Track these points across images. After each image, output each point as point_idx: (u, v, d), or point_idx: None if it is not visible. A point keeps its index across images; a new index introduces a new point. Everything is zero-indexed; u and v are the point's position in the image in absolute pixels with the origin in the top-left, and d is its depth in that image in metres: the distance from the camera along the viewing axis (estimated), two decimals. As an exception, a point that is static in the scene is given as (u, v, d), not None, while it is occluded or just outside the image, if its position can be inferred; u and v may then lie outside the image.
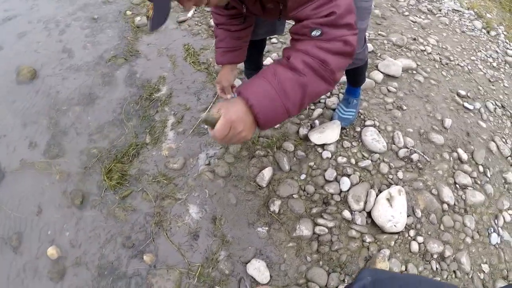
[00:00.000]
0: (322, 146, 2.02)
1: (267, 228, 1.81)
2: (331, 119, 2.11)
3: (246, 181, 1.96)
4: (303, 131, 2.07)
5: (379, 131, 2.05)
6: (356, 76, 1.81)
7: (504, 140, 2.37)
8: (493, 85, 2.89)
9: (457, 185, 1.93)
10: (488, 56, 2.94)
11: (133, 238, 1.84)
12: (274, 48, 2.78)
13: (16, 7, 3.36)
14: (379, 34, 3.00)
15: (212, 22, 2.90)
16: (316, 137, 1.97)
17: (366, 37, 1.60)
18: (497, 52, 3.25)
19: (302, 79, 0.81)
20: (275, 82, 0.81)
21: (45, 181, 2.08)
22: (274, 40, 2.82)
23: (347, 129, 2.09)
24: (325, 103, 2.22)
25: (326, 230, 1.68)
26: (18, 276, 1.79)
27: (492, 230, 1.97)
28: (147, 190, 1.98)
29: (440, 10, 3.62)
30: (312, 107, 2.26)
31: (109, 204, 1.95)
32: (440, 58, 2.93)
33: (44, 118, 2.39)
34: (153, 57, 2.78)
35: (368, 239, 1.77)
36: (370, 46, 2.74)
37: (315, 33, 0.84)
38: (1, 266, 1.80)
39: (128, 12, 3.27)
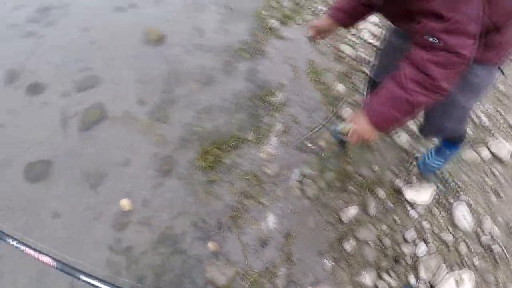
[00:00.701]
0: (412, 204, 2.20)
1: (333, 263, 1.96)
2: (428, 180, 2.30)
3: (330, 211, 2.17)
4: (398, 183, 2.29)
5: (470, 210, 2.21)
6: (451, 138, 2.01)
7: None
8: None
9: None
10: None
11: (205, 222, 2.13)
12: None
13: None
14: (497, 111, 3.14)
15: (340, 47, 3.33)
16: (410, 194, 2.20)
17: (471, 115, 1.78)
18: None
19: (410, 98, 1.18)
20: (389, 101, 1.24)
21: (141, 138, 2.49)
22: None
23: (440, 197, 2.25)
24: None
25: (387, 288, 1.82)
26: (85, 211, 2.16)
27: None
28: (235, 183, 2.28)
29: None
30: (415, 162, 2.49)
31: (194, 182, 2.25)
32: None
33: (159, 82, 2.90)
34: (277, 62, 3.24)
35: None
36: (485, 120, 2.89)
37: (432, 40, 1.09)
38: (73, 196, 2.15)
39: (264, 12, 3.85)
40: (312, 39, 1.92)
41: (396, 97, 1.21)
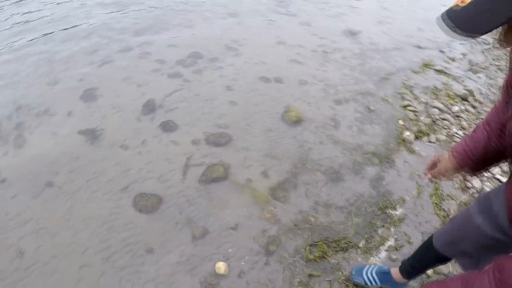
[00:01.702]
0: None
1: None
2: None
3: None
4: None
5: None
6: None
7: None
8: None
9: None
10: None
11: None
12: None
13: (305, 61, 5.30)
14: None
15: (467, 176, 3.81)
16: None
17: None
18: None
19: None
20: None
21: (255, 210, 3.11)
22: None
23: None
24: None
25: None
26: (179, 258, 2.73)
27: None
28: (333, 285, 2.80)
29: None
30: None
31: (295, 272, 2.77)
32: None
33: (287, 162, 3.63)
34: (404, 176, 3.79)
35: None
36: None
37: None
38: (172, 240, 2.83)
39: (401, 122, 4.53)
40: (431, 180, 1.98)
41: None
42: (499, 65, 5.88)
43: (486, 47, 6.26)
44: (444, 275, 2.77)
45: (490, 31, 0.88)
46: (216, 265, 2.71)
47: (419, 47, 5.97)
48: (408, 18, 6.22)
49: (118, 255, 2.76)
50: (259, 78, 4.61)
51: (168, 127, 3.79)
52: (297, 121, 3.93)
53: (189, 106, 4.10)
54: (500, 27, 0.90)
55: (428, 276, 2.75)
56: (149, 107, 4.03)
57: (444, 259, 2.04)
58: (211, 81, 4.57)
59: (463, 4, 0.90)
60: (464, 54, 5.95)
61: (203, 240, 2.88)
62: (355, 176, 3.51)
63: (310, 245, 2.83)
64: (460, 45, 6.16)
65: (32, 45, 5.46)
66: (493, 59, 6.05)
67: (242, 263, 2.76)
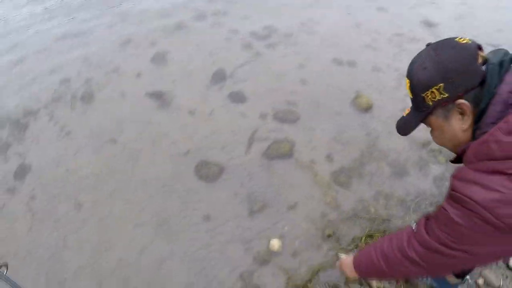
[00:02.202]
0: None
1: None
2: None
3: None
4: None
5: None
6: None
7: None
8: None
9: None
10: None
11: None
12: None
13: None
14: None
15: None
16: None
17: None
18: None
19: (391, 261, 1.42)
20: (374, 255, 1.50)
21: (316, 192, 3.00)
22: None
23: None
24: None
25: None
26: (235, 230, 2.70)
27: None
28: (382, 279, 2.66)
29: None
30: None
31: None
32: None
33: (354, 148, 3.42)
34: None
35: None
36: None
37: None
38: (230, 210, 2.82)
39: None
40: None
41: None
42: None
43: None
44: (495, 287, 2.56)
45: (409, 133, 1.34)
46: (271, 241, 2.65)
47: (498, 45, 5.54)
48: (489, 19, 5.81)
49: (174, 219, 2.77)
50: (332, 60, 4.44)
51: (236, 98, 3.72)
52: (367, 108, 3.74)
53: (259, 79, 4.00)
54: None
55: (479, 286, 2.57)
56: (219, 76, 3.96)
57: None
58: (284, 56, 4.44)
59: (404, 114, 1.35)
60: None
61: (260, 215, 2.83)
62: (419, 172, 3.31)
63: (367, 236, 2.67)
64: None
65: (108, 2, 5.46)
66: None
67: (297, 242, 2.69)
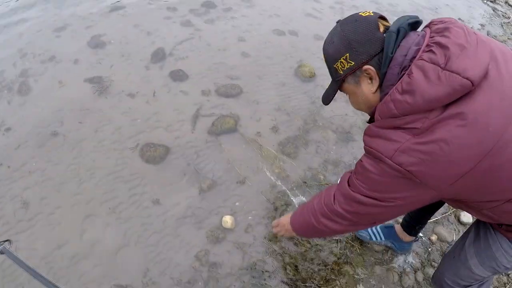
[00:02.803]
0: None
1: None
2: None
3: None
4: None
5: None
6: None
7: None
8: None
9: None
10: None
11: (297, 268, 2.42)
12: None
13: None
14: None
15: None
16: None
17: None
18: None
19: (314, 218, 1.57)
20: (306, 213, 1.64)
21: (264, 164, 2.90)
22: None
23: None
24: None
25: None
26: (186, 210, 2.60)
27: None
28: (339, 242, 2.65)
29: None
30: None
31: None
32: None
33: (299, 118, 3.41)
34: None
35: None
36: None
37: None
38: (179, 191, 2.71)
39: None
40: None
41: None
42: None
43: (506, 20, 5.92)
44: (448, 242, 2.66)
45: (329, 102, 1.46)
46: (223, 218, 2.58)
47: (436, 12, 5.62)
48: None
49: (124, 206, 2.64)
50: (273, 31, 4.34)
51: (177, 76, 3.58)
52: (311, 77, 3.70)
53: (199, 55, 3.86)
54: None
55: (433, 243, 2.63)
56: (159, 56, 3.81)
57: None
58: (224, 31, 4.29)
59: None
60: (482, 25, 5.59)
61: (210, 193, 2.74)
62: (367, 136, 3.30)
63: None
64: (479, 16, 5.85)
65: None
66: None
67: (249, 217, 2.63)
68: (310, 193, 2.76)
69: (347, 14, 4.69)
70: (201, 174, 2.82)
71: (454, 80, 1.01)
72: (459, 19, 5.59)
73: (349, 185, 1.35)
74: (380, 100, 1.22)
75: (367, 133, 1.24)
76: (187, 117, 3.22)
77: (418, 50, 1.12)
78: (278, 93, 3.51)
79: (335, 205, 1.42)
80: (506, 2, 6.64)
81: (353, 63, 1.21)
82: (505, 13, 6.23)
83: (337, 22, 1.29)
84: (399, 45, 1.15)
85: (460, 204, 1.36)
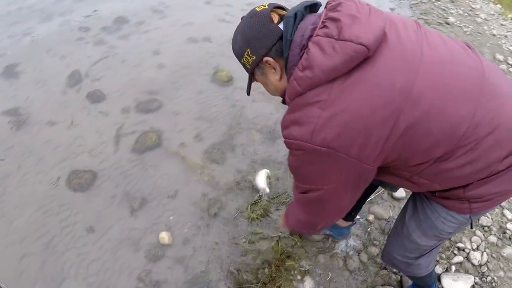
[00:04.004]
0: (450, 292, 2.38)
1: None
2: (467, 271, 2.52)
3: (369, 286, 2.35)
4: (437, 269, 2.47)
5: (503, 306, 2.33)
6: (415, 282, 2.15)
7: None
8: None
9: None
10: None
11: (240, 274, 2.38)
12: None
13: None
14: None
15: None
16: (447, 282, 2.41)
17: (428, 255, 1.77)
18: None
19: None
20: (288, 211, 1.67)
21: (193, 174, 2.85)
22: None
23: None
24: (468, 254, 2.70)
25: None
26: (121, 233, 2.47)
27: None
28: (280, 240, 2.65)
29: None
30: (456, 251, 2.74)
31: (239, 232, 2.55)
32: None
33: (221, 123, 3.37)
34: None
35: None
36: None
37: None
38: (111, 214, 2.58)
39: None
40: None
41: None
42: (426, 19, 5.75)
43: (414, 2, 6.13)
44: (385, 219, 2.68)
45: (249, 93, 1.44)
46: (160, 235, 2.48)
47: None
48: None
49: (58, 239, 2.48)
50: (187, 40, 4.24)
51: (95, 97, 3.40)
52: (228, 81, 3.64)
53: (116, 73, 3.69)
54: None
55: (370, 223, 2.65)
56: (75, 79, 3.61)
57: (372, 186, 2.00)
58: (138, 45, 4.13)
59: None
60: (392, 9, 5.79)
61: (142, 212, 2.62)
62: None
63: (252, 204, 2.63)
64: (388, 1, 6.00)
65: None
66: (421, 14, 5.93)
67: (185, 230, 2.54)
68: (242, 196, 2.73)
69: (258, 16, 4.69)
70: (131, 194, 2.69)
71: (348, 47, 1.00)
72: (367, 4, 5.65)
73: (295, 188, 1.37)
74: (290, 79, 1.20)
75: (282, 125, 1.22)
76: (109, 138, 3.06)
77: (314, 28, 1.11)
78: (198, 101, 3.43)
79: (296, 203, 1.48)
80: (413, -16, 6.84)
81: (254, 57, 1.22)
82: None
83: (241, 19, 1.31)
84: (297, 27, 1.14)
85: (392, 176, 1.33)
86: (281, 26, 1.17)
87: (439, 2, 6.30)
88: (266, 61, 1.22)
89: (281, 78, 1.26)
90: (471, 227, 1.60)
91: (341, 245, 2.50)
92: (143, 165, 2.87)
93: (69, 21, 4.63)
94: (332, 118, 1.04)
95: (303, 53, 1.09)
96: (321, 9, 1.26)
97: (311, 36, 1.10)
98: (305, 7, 1.19)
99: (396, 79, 1.03)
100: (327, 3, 1.21)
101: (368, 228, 2.62)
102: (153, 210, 2.62)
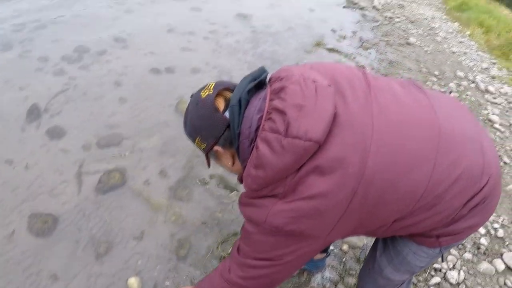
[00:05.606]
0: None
1: None
2: None
3: None
4: None
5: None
6: None
7: None
8: None
9: None
10: None
11: None
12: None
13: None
14: (512, 223, 3.37)
15: None
16: None
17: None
18: None
19: None
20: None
21: (159, 214, 2.65)
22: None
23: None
24: (445, 274, 2.66)
25: None
26: (87, 280, 2.27)
27: None
28: None
29: None
30: (433, 273, 2.70)
31: (210, 271, 2.45)
32: None
33: (186, 157, 3.19)
34: None
35: None
36: (500, 232, 2.98)
37: None
38: (76, 261, 2.34)
39: None
40: None
41: None
42: (388, 40, 5.79)
43: (375, 24, 6.19)
44: (360, 248, 2.59)
45: (209, 166, 1.36)
46: (128, 281, 2.26)
47: (310, 27, 5.68)
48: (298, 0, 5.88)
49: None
50: (149, 70, 4.01)
51: (55, 133, 3.12)
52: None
53: (76, 107, 3.41)
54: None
55: (345, 252, 2.55)
56: (34, 113, 3.30)
57: None
58: (99, 76, 3.86)
59: None
60: (354, 32, 5.79)
61: (109, 256, 2.39)
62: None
63: (221, 243, 2.47)
64: (350, 24, 6.01)
65: None
66: (382, 35, 5.97)
67: (155, 274, 2.34)
68: (212, 234, 2.57)
69: (222, 42, 4.55)
70: (96, 238, 2.46)
71: (297, 145, 0.95)
72: (332, 30, 5.76)
73: (238, 252, 1.24)
74: (243, 168, 1.15)
75: (240, 202, 1.19)
76: (71, 177, 2.80)
77: (260, 118, 1.06)
78: (161, 134, 3.22)
79: (230, 274, 1.27)
80: (373, 7, 6.91)
81: (204, 144, 1.18)
82: (374, 17, 6.49)
83: (191, 97, 1.24)
84: (244, 116, 1.09)
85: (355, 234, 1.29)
86: (227, 114, 1.11)
87: (399, 23, 6.38)
88: (216, 150, 1.19)
89: (233, 163, 1.24)
90: (442, 260, 1.55)
91: (317, 278, 2.39)
92: (107, 206, 2.64)
93: (29, 50, 4.27)
94: (287, 204, 1.02)
95: (253, 147, 1.05)
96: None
97: (258, 126, 1.05)
98: (248, 91, 1.11)
99: (348, 161, 0.97)
100: (270, 80, 1.16)
101: (343, 258, 2.52)
102: (120, 255, 2.39)
